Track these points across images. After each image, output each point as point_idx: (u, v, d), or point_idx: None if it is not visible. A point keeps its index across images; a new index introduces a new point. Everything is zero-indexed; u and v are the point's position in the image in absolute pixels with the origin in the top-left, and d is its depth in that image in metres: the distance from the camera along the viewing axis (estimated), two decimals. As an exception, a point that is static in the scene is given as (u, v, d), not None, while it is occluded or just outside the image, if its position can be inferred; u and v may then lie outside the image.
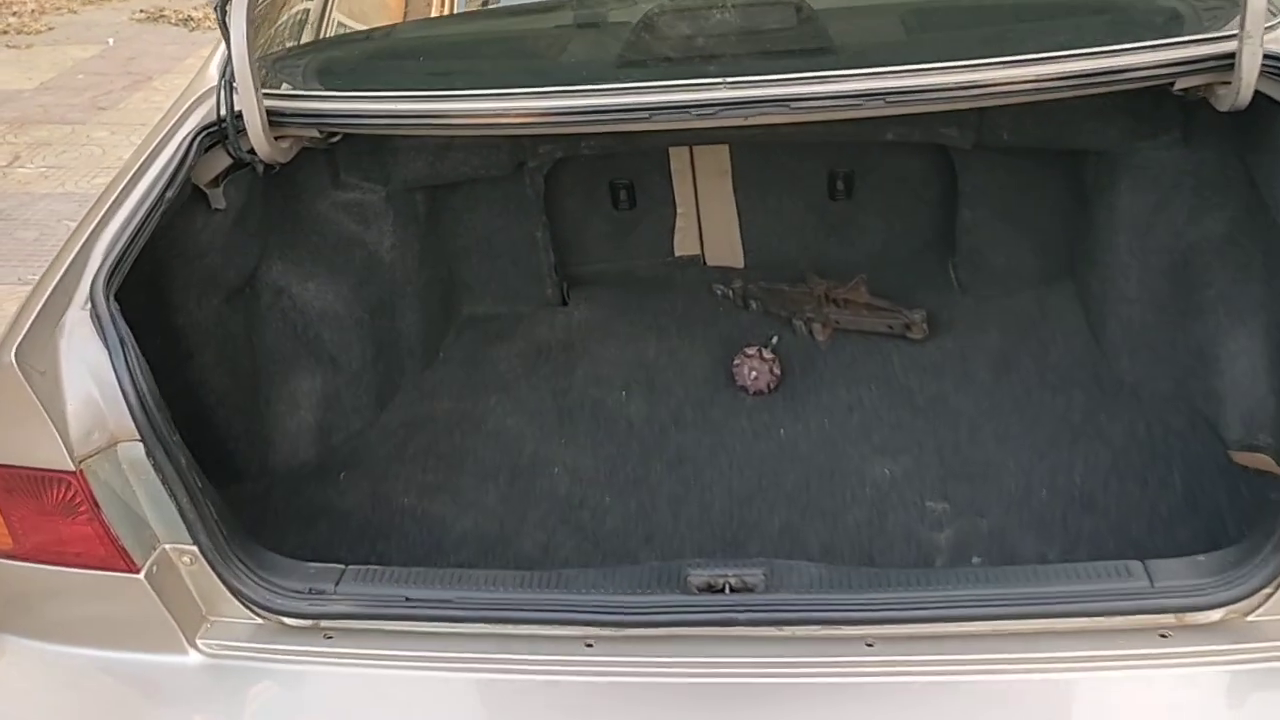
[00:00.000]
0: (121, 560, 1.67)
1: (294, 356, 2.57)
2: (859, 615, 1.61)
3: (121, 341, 1.67)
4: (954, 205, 2.92)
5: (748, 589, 1.66)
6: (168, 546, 1.72)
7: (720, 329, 2.90)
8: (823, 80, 1.92)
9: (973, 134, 2.63)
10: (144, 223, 1.89)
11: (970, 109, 2.48)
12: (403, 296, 2.77)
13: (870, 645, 1.62)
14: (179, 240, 2.20)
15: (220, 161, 2.22)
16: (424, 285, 2.83)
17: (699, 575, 1.68)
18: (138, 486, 1.69)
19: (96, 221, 1.88)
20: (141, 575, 1.68)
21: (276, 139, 2.19)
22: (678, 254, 3.16)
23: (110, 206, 1.92)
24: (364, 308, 2.64)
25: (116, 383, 1.64)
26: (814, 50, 2.10)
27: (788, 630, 1.63)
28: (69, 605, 1.75)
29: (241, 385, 2.44)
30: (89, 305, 1.70)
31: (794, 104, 1.91)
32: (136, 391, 1.65)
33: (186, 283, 2.25)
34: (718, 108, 1.92)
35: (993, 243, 2.89)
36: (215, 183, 2.26)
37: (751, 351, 2.64)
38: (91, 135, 6.36)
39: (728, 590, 1.66)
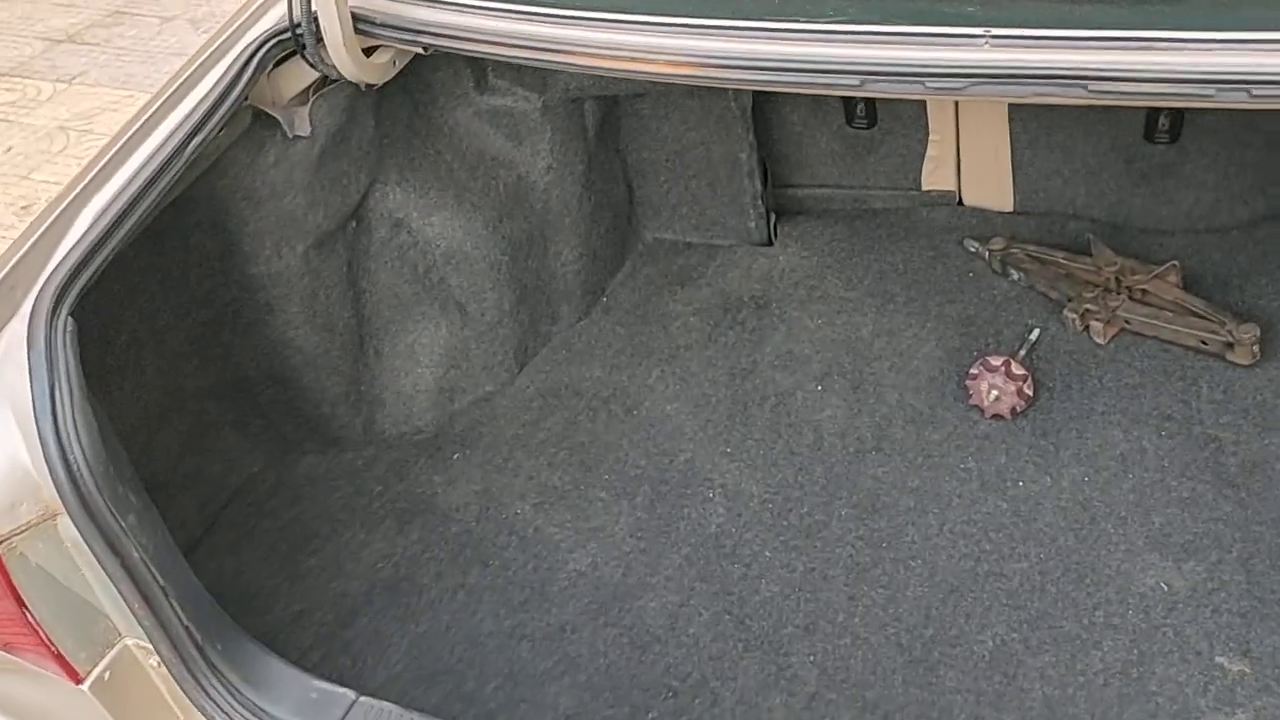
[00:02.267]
0: (60, 666, 1.26)
1: (413, 302, 2.09)
2: None
3: (52, 383, 1.21)
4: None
5: None
6: (131, 643, 1.30)
7: (963, 305, 2.20)
8: (1148, 47, 1.18)
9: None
10: (154, 178, 1.41)
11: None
12: (559, 229, 2.22)
13: None
14: (243, 179, 1.72)
15: (303, 75, 1.70)
16: (589, 213, 2.26)
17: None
18: (88, 569, 1.25)
19: (93, 175, 1.41)
20: (86, 686, 1.27)
21: (368, 52, 1.65)
22: (926, 188, 2.43)
23: (120, 151, 1.44)
24: (504, 247, 2.11)
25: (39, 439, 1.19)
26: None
27: None
28: (16, 686, 1.37)
29: (339, 342, 1.98)
30: (27, 321, 1.24)
31: (1094, 84, 1.18)
32: (62, 454, 1.19)
33: (258, 230, 1.78)
34: (969, 79, 1.22)
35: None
36: (303, 98, 1.75)
37: (996, 363, 1.94)
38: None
39: None
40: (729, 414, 2.05)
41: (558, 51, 1.46)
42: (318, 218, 1.83)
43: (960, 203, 2.44)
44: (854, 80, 1.28)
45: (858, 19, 1.31)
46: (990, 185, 2.39)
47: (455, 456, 2.05)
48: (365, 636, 1.75)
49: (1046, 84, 1.19)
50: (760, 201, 2.37)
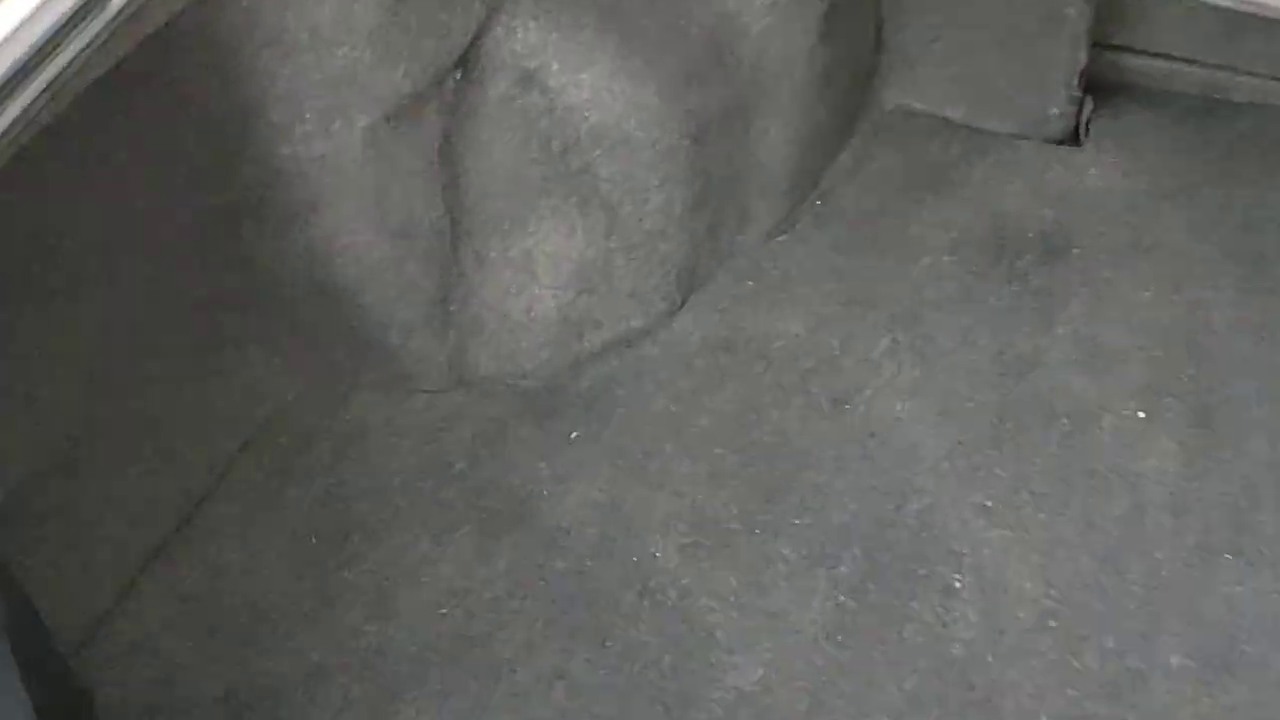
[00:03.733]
0: None
1: (539, 193, 1.38)
2: None
3: None
4: None
5: None
6: None
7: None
8: None
9: None
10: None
11: None
12: (772, 98, 1.45)
13: None
14: (262, 14, 0.99)
15: None
16: (820, 75, 1.48)
17: None
18: None
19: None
20: None
21: None
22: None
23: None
24: (686, 124, 1.36)
25: None
26: None
27: None
28: None
29: (419, 248, 1.31)
30: None
31: None
32: None
33: (291, 93, 1.07)
34: None
35: None
36: None
37: None
38: None
39: None
40: (993, 436, 1.34)
41: None
42: (393, 77, 1.11)
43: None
44: None
45: None
46: None
47: (574, 435, 1.39)
48: (406, 740, 1.16)
49: None
50: (1076, 82, 1.56)
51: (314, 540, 1.34)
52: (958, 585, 1.22)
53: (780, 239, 1.55)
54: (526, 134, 1.33)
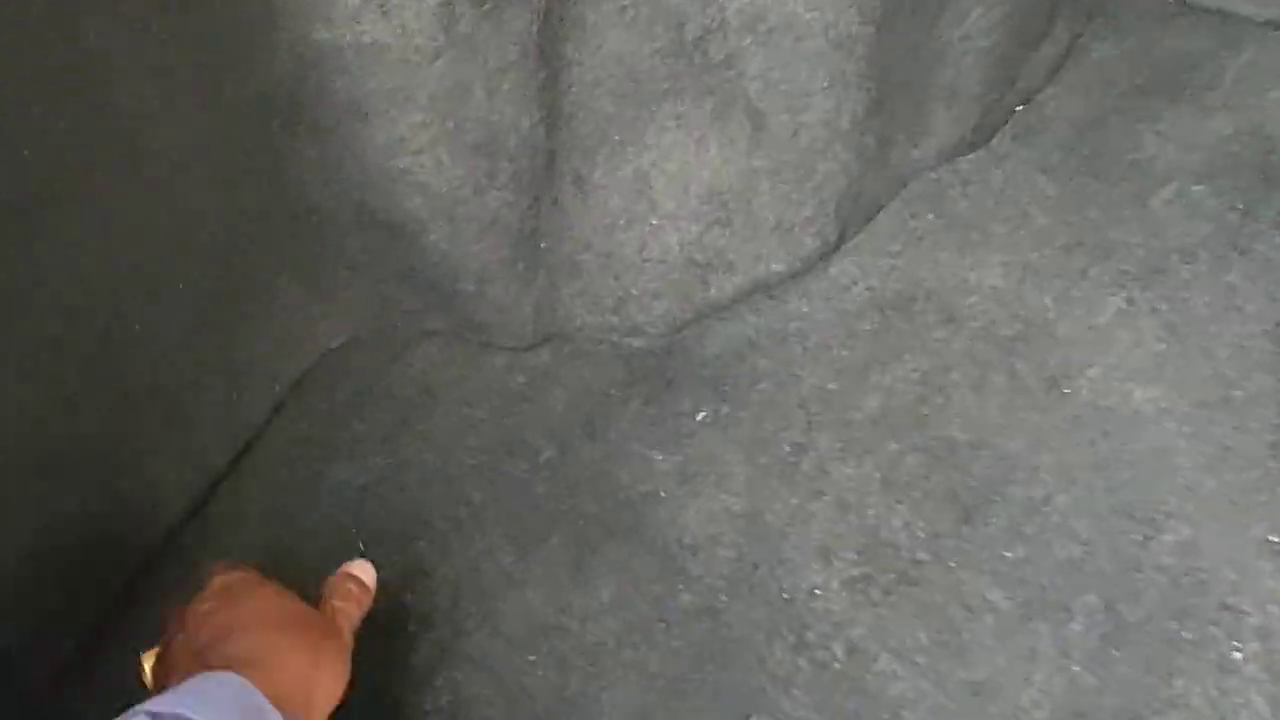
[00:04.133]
0: None
1: (662, 95, 1.02)
2: None
3: None
4: None
5: None
6: None
7: None
8: None
9: None
10: None
11: None
12: (978, -32, 1.08)
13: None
14: None
15: None
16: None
17: None
18: None
19: None
20: None
21: None
22: None
23: None
24: (869, 6, 0.99)
25: None
26: None
27: None
28: None
29: (504, 172, 0.96)
30: None
31: None
32: None
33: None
34: None
35: None
36: None
37: None
38: None
39: None
40: (1274, 441, 0.99)
41: None
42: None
43: None
44: None
45: None
46: None
47: (700, 416, 1.07)
48: None
49: None
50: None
51: (362, 545, 1.04)
52: (1238, 657, 0.89)
53: (970, 157, 1.19)
54: (652, 14, 0.97)
